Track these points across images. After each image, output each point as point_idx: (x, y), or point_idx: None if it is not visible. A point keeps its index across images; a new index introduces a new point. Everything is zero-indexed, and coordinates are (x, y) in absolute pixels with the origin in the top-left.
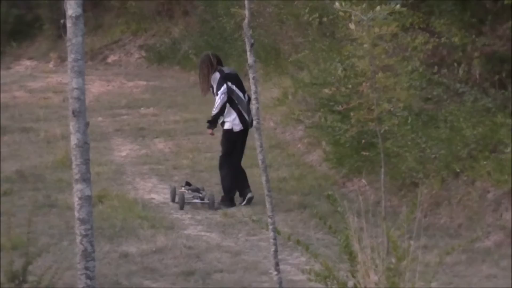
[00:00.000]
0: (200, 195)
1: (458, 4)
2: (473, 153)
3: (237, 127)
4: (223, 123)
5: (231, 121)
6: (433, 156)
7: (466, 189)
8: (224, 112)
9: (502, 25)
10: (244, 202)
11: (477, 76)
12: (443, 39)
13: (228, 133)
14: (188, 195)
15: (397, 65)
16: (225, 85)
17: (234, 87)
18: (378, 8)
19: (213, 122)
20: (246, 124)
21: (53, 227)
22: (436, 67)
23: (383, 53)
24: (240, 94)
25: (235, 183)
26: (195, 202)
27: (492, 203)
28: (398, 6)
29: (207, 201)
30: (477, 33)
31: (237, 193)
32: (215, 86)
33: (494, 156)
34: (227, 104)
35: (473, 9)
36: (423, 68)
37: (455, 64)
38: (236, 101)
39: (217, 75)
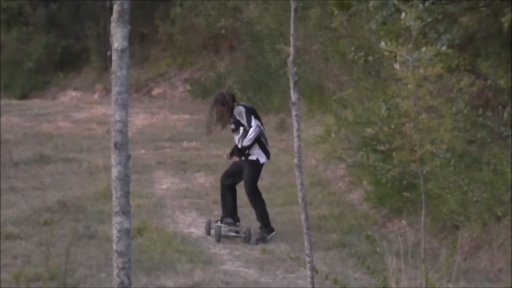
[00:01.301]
0: (237, 228)
1: (505, 46)
2: None
3: (263, 158)
4: (247, 155)
5: (256, 153)
6: (475, 199)
7: (507, 233)
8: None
9: None
10: (224, 225)
11: None
12: (488, 81)
13: (256, 164)
14: (224, 228)
15: (442, 107)
16: (255, 120)
17: (258, 122)
18: (423, 49)
19: (243, 151)
20: (269, 156)
21: (92, 258)
22: (480, 109)
23: (428, 94)
24: (262, 127)
25: (230, 205)
26: (231, 236)
27: None
28: (444, 47)
29: (243, 235)
30: None
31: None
32: (243, 120)
33: None
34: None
35: None
36: (468, 110)
37: (500, 107)
38: (261, 135)
39: (241, 109)
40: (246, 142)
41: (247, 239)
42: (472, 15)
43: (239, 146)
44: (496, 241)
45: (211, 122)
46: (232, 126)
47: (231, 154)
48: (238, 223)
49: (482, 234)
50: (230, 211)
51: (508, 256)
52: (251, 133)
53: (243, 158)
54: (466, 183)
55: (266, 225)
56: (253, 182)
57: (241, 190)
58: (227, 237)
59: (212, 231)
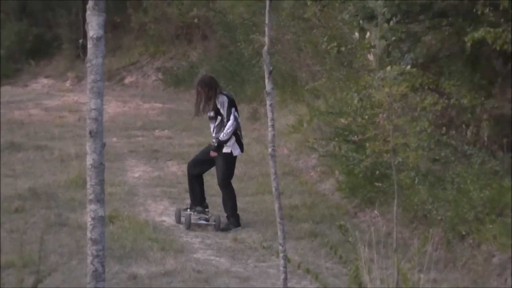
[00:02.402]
0: (206, 216)
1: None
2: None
3: (236, 151)
4: (221, 147)
5: (231, 145)
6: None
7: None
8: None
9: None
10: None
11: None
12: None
13: (229, 157)
14: (194, 216)
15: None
16: (234, 112)
17: (236, 114)
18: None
19: (220, 147)
20: (243, 148)
21: (63, 246)
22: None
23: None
24: (239, 119)
25: (198, 194)
26: (201, 223)
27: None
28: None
29: (213, 222)
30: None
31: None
32: (223, 110)
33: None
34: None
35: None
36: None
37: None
38: (237, 127)
39: (224, 99)
40: (224, 136)
41: (217, 227)
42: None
43: (213, 135)
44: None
45: (199, 103)
46: (211, 113)
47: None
48: (207, 210)
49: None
50: (198, 200)
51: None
52: (229, 128)
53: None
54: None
55: (233, 216)
56: (227, 175)
57: (213, 180)
58: (198, 225)
59: (182, 219)
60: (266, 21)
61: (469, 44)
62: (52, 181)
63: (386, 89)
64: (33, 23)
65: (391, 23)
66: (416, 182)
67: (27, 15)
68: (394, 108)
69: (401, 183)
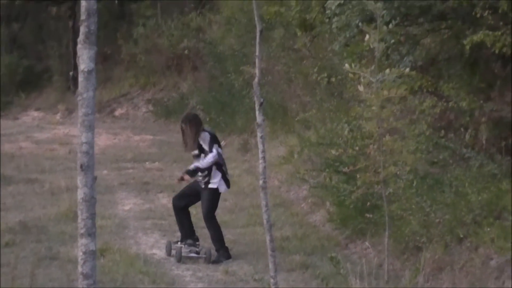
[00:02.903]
0: (197, 249)
1: (467, 68)
2: (477, 219)
3: (222, 187)
4: (207, 183)
5: (217, 181)
6: (437, 220)
7: (469, 255)
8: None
9: (510, 90)
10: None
11: (484, 142)
12: (451, 103)
13: (215, 193)
14: (185, 249)
15: (405, 128)
16: (217, 147)
17: (220, 150)
18: (387, 70)
19: (194, 173)
20: (229, 185)
21: (54, 280)
22: (443, 131)
23: (391, 115)
24: (223, 156)
25: (186, 227)
26: (192, 256)
27: (495, 270)
28: (407, 69)
29: (204, 255)
30: (485, 98)
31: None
32: (205, 145)
33: (498, 223)
34: (214, 167)
35: (481, 74)
36: (430, 131)
37: (462, 129)
38: (222, 163)
39: (206, 135)
40: (203, 164)
41: (207, 260)
42: (434, 37)
43: (199, 173)
44: (458, 262)
45: (185, 140)
46: (195, 152)
47: (182, 178)
48: (197, 243)
49: (444, 255)
50: (188, 232)
51: (470, 277)
52: (210, 158)
53: (203, 185)
54: (428, 204)
55: (222, 248)
56: (211, 210)
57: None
58: (189, 258)
59: (173, 252)
60: (257, 52)
61: (468, 47)
62: (42, 214)
63: (385, 92)
64: (23, 55)
65: (390, 25)
66: (414, 185)
67: (18, 47)
68: (392, 110)
69: (392, 214)
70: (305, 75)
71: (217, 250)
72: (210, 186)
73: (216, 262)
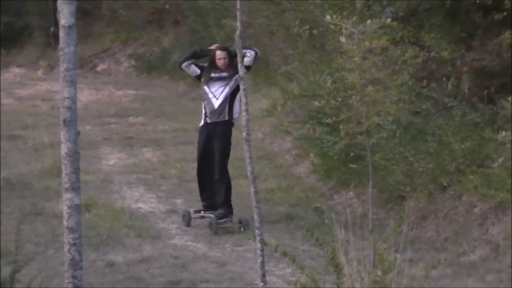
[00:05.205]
0: (231, 218)
1: (448, 18)
2: (461, 168)
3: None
4: (231, 114)
5: (238, 113)
6: (421, 169)
7: (453, 203)
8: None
9: (491, 40)
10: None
11: (466, 91)
12: (432, 53)
13: (231, 128)
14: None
15: (387, 79)
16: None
17: None
18: (368, 21)
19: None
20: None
21: (40, 235)
22: (425, 81)
23: (373, 66)
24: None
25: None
26: (227, 226)
27: (479, 218)
28: (388, 20)
29: (239, 224)
30: (466, 47)
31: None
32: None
33: (481, 170)
34: (237, 98)
35: (463, 24)
36: (413, 82)
37: (444, 79)
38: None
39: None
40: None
41: (245, 227)
42: None
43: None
44: (441, 211)
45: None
46: (224, 73)
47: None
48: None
49: (428, 204)
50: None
51: (454, 225)
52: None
53: (227, 117)
54: (412, 154)
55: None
56: (228, 153)
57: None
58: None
59: (193, 222)
60: (238, 6)
61: None
62: (26, 171)
63: (367, 43)
64: (3, 12)
65: None
66: (397, 135)
67: None
68: (374, 61)
69: (376, 164)
70: (287, 28)
71: (227, 205)
72: (234, 118)
73: (227, 221)
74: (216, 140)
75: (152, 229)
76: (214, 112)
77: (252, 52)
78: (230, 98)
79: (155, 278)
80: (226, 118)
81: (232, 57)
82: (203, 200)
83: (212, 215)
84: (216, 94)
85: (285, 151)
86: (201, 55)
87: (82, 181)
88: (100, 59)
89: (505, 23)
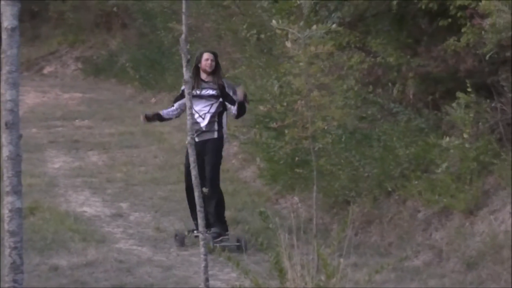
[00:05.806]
0: (227, 236)
1: (394, 24)
2: (405, 173)
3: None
4: (220, 130)
5: (225, 131)
6: (366, 174)
7: (397, 208)
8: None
9: (436, 46)
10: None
11: (411, 96)
12: (378, 59)
13: (222, 142)
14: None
15: (333, 84)
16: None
17: None
18: (314, 27)
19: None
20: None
21: None
22: (371, 86)
23: (319, 71)
24: None
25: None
26: (225, 245)
27: (422, 223)
28: (334, 25)
29: (237, 243)
30: (412, 53)
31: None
32: (230, 91)
33: (425, 176)
34: (225, 113)
35: (409, 30)
36: (358, 87)
37: (390, 84)
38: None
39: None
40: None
41: (244, 248)
42: None
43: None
44: (386, 216)
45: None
46: (213, 91)
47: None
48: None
49: (373, 209)
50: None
51: (398, 230)
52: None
53: (215, 135)
54: (357, 159)
55: (223, 220)
56: (219, 165)
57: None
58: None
59: (187, 241)
60: (183, 9)
61: (395, 3)
62: None
63: (312, 48)
64: None
65: None
66: (343, 139)
67: None
68: (320, 66)
69: (321, 169)
70: (235, 32)
71: (221, 222)
72: (224, 133)
73: (223, 240)
74: (206, 154)
75: (97, 233)
76: (201, 132)
77: (235, 113)
78: (218, 117)
79: (99, 282)
80: (215, 136)
81: (217, 64)
82: (194, 219)
83: (207, 234)
84: (201, 113)
85: (232, 155)
86: (158, 118)
87: (27, 184)
88: (47, 62)
89: (451, 29)
